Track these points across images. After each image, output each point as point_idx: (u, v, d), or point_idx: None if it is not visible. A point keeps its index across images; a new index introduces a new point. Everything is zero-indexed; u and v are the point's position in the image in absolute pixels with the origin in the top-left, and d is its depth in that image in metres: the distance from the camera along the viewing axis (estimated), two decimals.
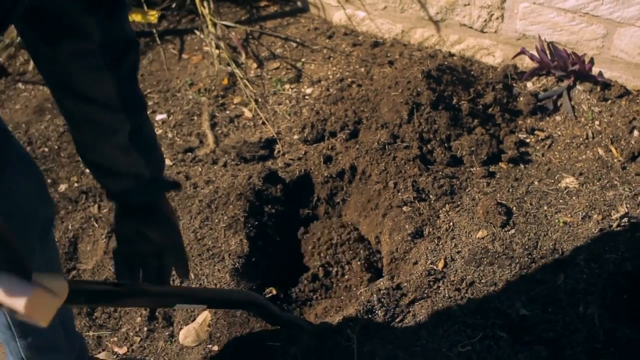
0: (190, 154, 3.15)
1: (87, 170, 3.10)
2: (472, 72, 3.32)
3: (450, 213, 2.63)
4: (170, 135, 3.27)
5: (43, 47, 1.40)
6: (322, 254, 2.71)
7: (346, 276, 2.64)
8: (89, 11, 1.34)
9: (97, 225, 2.87)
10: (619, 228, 2.44)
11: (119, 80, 1.46)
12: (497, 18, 3.32)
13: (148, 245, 1.69)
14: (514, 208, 2.61)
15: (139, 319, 2.52)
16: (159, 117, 3.38)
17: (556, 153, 2.94)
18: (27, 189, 1.63)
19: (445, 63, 3.28)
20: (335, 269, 2.66)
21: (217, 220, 2.75)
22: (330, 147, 3.00)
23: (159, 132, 3.29)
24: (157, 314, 2.51)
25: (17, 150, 1.63)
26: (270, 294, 2.53)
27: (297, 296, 2.60)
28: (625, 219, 2.46)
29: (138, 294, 1.69)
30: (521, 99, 3.18)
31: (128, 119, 1.51)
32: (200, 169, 3.06)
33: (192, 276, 2.56)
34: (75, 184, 3.06)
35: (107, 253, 2.75)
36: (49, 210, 1.73)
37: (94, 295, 1.54)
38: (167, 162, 3.12)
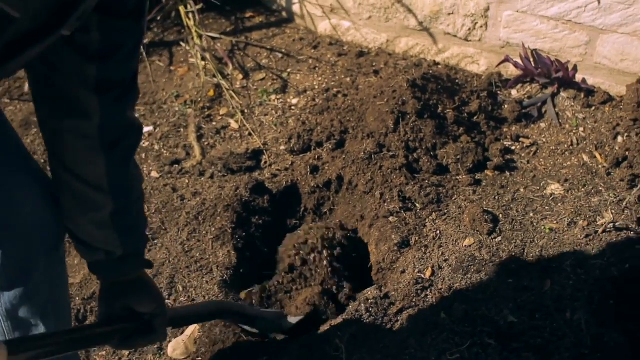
0: (177, 166, 3.15)
1: None
2: (457, 81, 3.34)
3: (436, 221, 2.64)
4: (156, 147, 3.27)
5: (48, 119, 1.43)
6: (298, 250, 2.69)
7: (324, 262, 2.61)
8: (97, 93, 1.34)
9: None
10: (604, 234, 2.46)
11: (110, 163, 1.47)
12: (481, 26, 3.34)
13: (133, 317, 1.68)
14: (500, 215, 2.62)
15: None
16: (145, 129, 3.38)
17: (541, 160, 2.96)
18: (31, 200, 1.62)
19: (430, 72, 3.30)
20: (313, 255, 2.62)
21: (204, 232, 2.75)
22: (316, 157, 3.01)
23: (145, 144, 3.29)
24: None
25: (23, 159, 1.63)
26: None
27: (277, 289, 2.58)
28: (611, 225, 2.48)
29: (100, 335, 1.68)
30: (506, 106, 3.20)
31: (112, 200, 1.52)
32: (187, 181, 3.06)
33: (181, 288, 2.56)
34: None
35: None
36: (58, 224, 1.69)
37: (42, 351, 1.51)
38: (154, 174, 3.12)
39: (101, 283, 1.69)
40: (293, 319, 2.37)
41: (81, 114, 1.38)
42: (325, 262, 2.57)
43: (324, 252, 2.59)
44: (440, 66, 3.49)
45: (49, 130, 1.46)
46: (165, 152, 3.25)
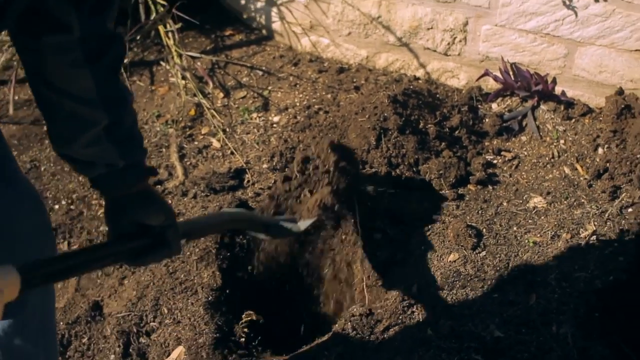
0: (159, 186, 3.14)
1: (57, 207, 3.08)
2: (437, 95, 3.35)
3: (421, 237, 2.64)
4: None
5: (24, 38, 1.39)
6: None
7: None
8: (72, 5, 1.33)
9: None
10: (587, 246, 2.47)
11: (98, 76, 1.44)
12: (460, 41, 3.36)
13: (143, 232, 1.64)
14: (484, 230, 2.63)
15: (112, 356, 2.49)
16: None
17: (523, 173, 2.97)
18: (34, 225, 1.61)
19: (411, 87, 3.31)
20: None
21: (188, 253, 2.74)
22: None
23: None
24: (130, 350, 2.49)
25: (25, 184, 1.63)
26: (249, 318, 2.52)
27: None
28: (594, 237, 2.49)
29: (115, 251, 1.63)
30: (487, 120, 3.22)
31: (106, 114, 1.48)
32: (170, 201, 3.04)
33: (166, 310, 2.54)
34: None
35: (78, 290, 2.73)
36: (53, 248, 1.69)
37: (53, 274, 1.50)
38: None
39: (106, 201, 1.65)
40: (305, 222, 2.32)
41: (59, 28, 1.35)
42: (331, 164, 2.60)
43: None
44: (420, 81, 3.50)
45: (30, 53, 1.42)
46: None
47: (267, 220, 2.26)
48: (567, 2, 3.00)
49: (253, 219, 2.20)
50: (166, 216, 1.64)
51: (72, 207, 3.08)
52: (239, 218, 2.12)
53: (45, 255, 1.60)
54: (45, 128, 3.51)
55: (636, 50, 2.98)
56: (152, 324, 2.53)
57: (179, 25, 3.78)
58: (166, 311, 2.55)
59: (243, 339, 2.45)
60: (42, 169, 3.29)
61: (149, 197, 1.64)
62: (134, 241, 1.62)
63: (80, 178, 3.21)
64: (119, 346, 2.50)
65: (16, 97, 3.68)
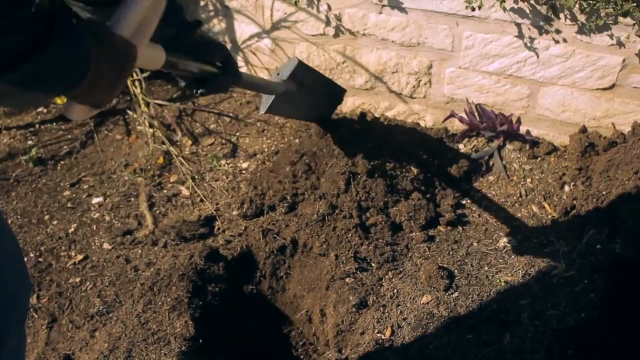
0: (129, 236, 3.12)
1: (25, 259, 3.04)
2: (404, 138, 3.38)
3: (393, 280, 2.64)
4: (107, 218, 3.24)
5: None
6: None
7: None
8: None
9: (37, 316, 2.80)
10: (558, 284, 2.49)
11: None
12: (425, 83, 3.41)
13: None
14: (456, 271, 2.64)
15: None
16: (95, 200, 3.35)
17: (492, 213, 3.00)
18: (13, 268, 1.60)
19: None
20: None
21: (160, 303, 2.71)
22: (269, 221, 3.00)
23: (95, 215, 3.25)
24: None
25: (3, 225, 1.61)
26: None
27: None
28: (564, 274, 2.51)
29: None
30: (454, 161, 3.25)
31: None
32: (140, 251, 3.03)
33: None
34: None
35: (49, 344, 2.69)
36: (29, 292, 1.69)
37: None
38: (106, 246, 3.09)
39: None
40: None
41: None
42: None
43: None
44: (388, 124, 3.53)
45: None
46: (116, 222, 3.21)
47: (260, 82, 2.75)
48: (529, 44, 3.05)
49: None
50: (224, 51, 2.03)
51: (40, 259, 3.05)
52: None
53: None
54: (11, 181, 3.48)
55: (597, 89, 3.05)
56: None
57: (146, 73, 3.78)
58: None
59: None
60: (9, 221, 3.25)
61: (208, 40, 2.00)
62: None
63: (49, 230, 3.18)
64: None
65: None
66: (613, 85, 3.01)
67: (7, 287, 1.58)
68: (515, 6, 2.98)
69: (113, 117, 3.92)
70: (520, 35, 3.05)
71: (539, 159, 3.18)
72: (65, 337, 2.71)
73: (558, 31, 2.98)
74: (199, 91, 2.05)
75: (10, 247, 1.61)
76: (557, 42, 3.01)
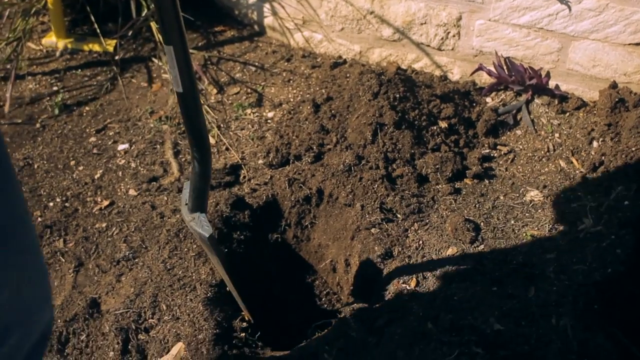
0: (154, 183, 3.13)
1: (51, 204, 3.06)
2: (432, 90, 3.35)
3: (419, 231, 2.64)
4: (133, 165, 3.25)
5: None
6: None
7: None
8: None
9: (63, 260, 2.83)
10: (585, 239, 2.48)
11: None
12: (454, 36, 3.37)
13: None
14: (482, 224, 2.63)
15: (111, 353, 2.48)
16: (120, 146, 3.35)
17: (519, 167, 2.98)
18: (36, 290, 1.40)
19: (406, 82, 3.30)
20: None
21: (186, 250, 2.73)
22: (295, 171, 3.00)
23: (121, 162, 3.27)
24: (129, 346, 2.48)
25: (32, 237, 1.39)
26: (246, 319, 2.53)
27: None
28: (591, 230, 2.50)
29: None
30: (482, 114, 3.22)
31: None
32: (166, 198, 3.04)
33: (164, 307, 2.54)
34: (39, 219, 3.02)
35: (75, 287, 2.72)
36: (50, 318, 1.48)
37: None
38: (132, 192, 3.10)
39: None
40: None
41: None
42: None
43: None
44: (415, 75, 3.50)
45: None
46: (142, 169, 3.22)
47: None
48: None
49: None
50: None
51: (66, 204, 3.06)
52: None
53: None
54: (37, 126, 3.49)
55: (629, 44, 3.00)
56: (150, 320, 2.52)
57: None
58: (165, 308, 2.54)
59: (243, 335, 2.45)
60: (36, 166, 3.27)
61: None
62: None
63: (74, 175, 3.20)
64: (117, 343, 2.49)
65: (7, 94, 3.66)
66: None
67: (25, 303, 1.36)
68: None
69: (136, 64, 3.92)
70: None
71: (568, 114, 3.15)
72: (92, 281, 2.73)
73: None
74: None
75: (37, 264, 1.39)
76: None
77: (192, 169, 2.07)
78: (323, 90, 3.42)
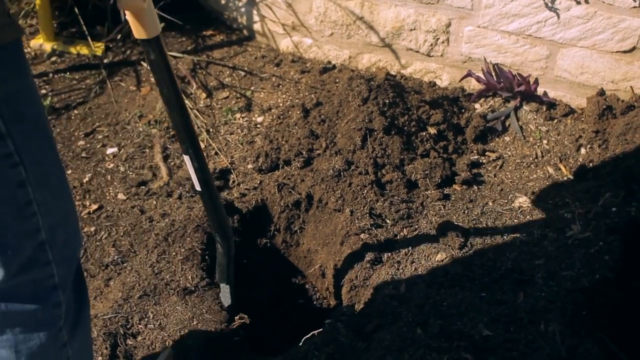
0: (143, 187, 3.12)
1: None
2: (421, 96, 3.36)
3: (408, 237, 2.65)
4: (122, 169, 3.24)
5: None
6: None
7: None
8: None
9: None
10: (573, 245, 2.49)
11: None
12: (443, 42, 3.38)
13: None
14: (471, 229, 2.64)
15: (100, 358, 2.47)
16: (109, 150, 3.34)
17: (508, 173, 3.00)
18: (68, 204, 1.59)
19: (395, 88, 3.31)
20: None
21: (174, 253, 2.73)
22: (285, 175, 3.00)
23: (110, 166, 3.26)
24: (117, 352, 2.47)
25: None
26: (241, 320, 2.53)
27: None
28: (579, 236, 2.51)
29: None
30: (471, 120, 3.24)
31: None
32: (155, 202, 3.03)
33: (153, 312, 2.53)
34: None
35: None
36: (80, 246, 1.67)
37: None
38: (121, 196, 3.09)
39: None
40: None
41: None
42: None
43: None
44: (404, 81, 3.51)
45: None
46: (131, 173, 3.22)
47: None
48: (549, 4, 3.03)
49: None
50: None
51: None
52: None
53: None
54: None
55: (617, 51, 3.02)
56: (138, 326, 2.51)
57: (161, 24, 3.75)
58: (153, 313, 2.54)
59: (232, 340, 2.45)
60: None
61: None
62: None
63: None
64: (106, 348, 2.48)
65: None
66: (633, 48, 2.99)
67: (63, 209, 1.56)
68: None
69: (125, 67, 3.91)
70: None
71: (556, 120, 3.17)
72: None
73: None
74: None
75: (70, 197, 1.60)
76: (578, 3, 2.98)
77: (217, 249, 2.42)
78: (312, 96, 3.43)
